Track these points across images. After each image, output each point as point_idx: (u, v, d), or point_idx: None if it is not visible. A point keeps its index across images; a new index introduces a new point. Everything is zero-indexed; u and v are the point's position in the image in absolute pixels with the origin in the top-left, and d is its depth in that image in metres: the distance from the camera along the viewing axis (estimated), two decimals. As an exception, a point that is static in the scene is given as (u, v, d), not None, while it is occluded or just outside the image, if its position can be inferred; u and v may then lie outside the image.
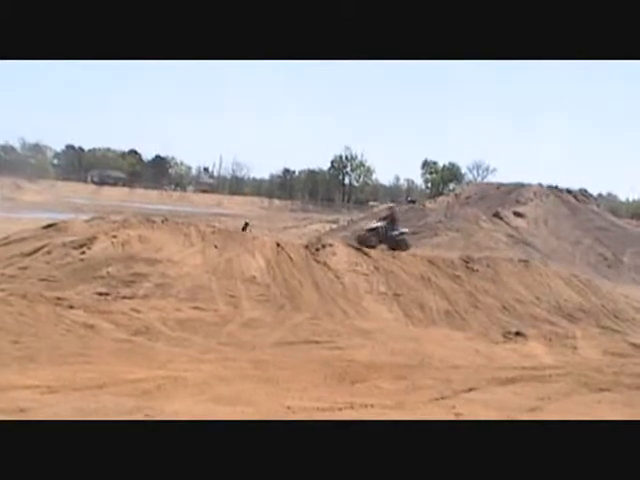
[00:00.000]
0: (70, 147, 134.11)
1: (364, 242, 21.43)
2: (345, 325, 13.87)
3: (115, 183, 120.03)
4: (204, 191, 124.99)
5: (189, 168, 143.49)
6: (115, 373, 8.76)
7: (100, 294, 13.79)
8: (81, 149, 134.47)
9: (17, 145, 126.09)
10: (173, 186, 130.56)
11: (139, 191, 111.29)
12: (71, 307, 12.46)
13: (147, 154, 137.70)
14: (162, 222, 18.99)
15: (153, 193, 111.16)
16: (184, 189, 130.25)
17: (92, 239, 16.63)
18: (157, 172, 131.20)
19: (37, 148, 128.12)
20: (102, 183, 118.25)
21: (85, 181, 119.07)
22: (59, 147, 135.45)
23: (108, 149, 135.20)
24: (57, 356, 9.69)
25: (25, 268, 15.35)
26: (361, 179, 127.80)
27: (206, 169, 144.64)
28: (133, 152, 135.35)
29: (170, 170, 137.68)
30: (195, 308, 13.53)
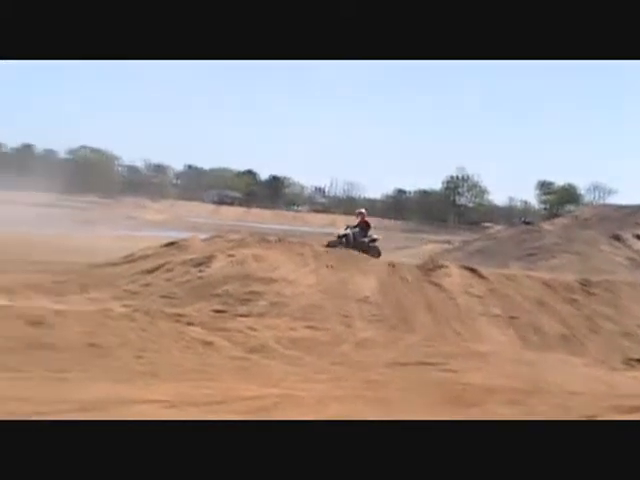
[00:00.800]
0: (190, 167, 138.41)
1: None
2: (459, 347, 13.69)
3: (232, 202, 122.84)
4: (318, 211, 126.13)
5: (303, 188, 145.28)
6: (232, 390, 8.97)
7: (217, 312, 14.15)
8: (201, 169, 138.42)
9: (141, 165, 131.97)
10: (295, 207, 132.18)
11: (255, 210, 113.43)
12: (190, 324, 12.84)
13: (263, 174, 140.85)
14: (277, 241, 19.31)
15: (268, 212, 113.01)
16: (298, 209, 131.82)
17: (210, 257, 17.12)
18: (272, 192, 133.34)
19: (159, 168, 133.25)
20: (220, 202, 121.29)
21: (204, 200, 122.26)
22: (180, 167, 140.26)
23: (226, 169, 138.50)
24: (178, 372, 10.00)
25: (147, 285, 15.95)
26: (475, 200, 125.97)
27: (320, 189, 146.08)
28: (249, 172, 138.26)
29: (285, 190, 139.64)
30: (309, 327, 13.67)
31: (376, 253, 20.60)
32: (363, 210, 21.84)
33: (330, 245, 20.60)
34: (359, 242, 20.74)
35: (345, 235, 20.92)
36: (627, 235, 38.97)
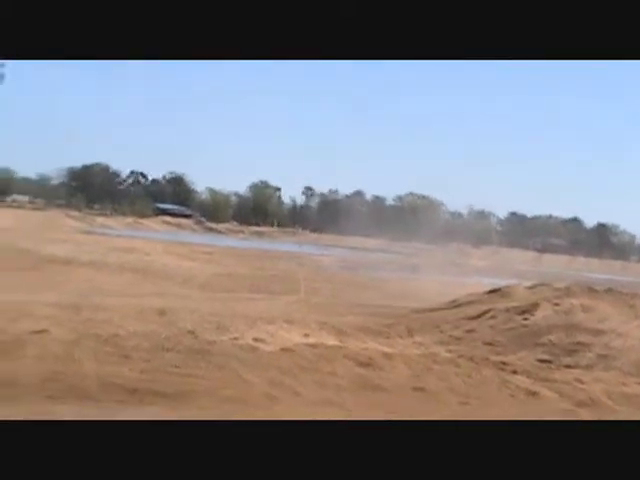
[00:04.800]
0: (513, 214, 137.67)
1: None
2: None
3: (556, 250, 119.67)
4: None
5: (633, 237, 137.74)
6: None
7: (542, 361, 13.91)
8: (524, 216, 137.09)
9: (464, 212, 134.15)
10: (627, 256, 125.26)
11: (580, 259, 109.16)
12: (515, 372, 12.72)
13: (589, 221, 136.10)
14: (605, 292, 18.60)
15: (594, 261, 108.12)
16: (627, 258, 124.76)
17: (534, 306, 16.94)
18: (599, 240, 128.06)
19: (482, 215, 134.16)
20: (543, 250, 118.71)
21: (527, 248, 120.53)
22: (503, 214, 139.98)
23: (550, 216, 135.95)
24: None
25: (471, 331, 16.15)
26: None
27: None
28: (574, 219, 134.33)
29: (612, 238, 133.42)
30: (641, 384, 12.88)
31: None
32: None
33: None
34: None
35: None
36: None
